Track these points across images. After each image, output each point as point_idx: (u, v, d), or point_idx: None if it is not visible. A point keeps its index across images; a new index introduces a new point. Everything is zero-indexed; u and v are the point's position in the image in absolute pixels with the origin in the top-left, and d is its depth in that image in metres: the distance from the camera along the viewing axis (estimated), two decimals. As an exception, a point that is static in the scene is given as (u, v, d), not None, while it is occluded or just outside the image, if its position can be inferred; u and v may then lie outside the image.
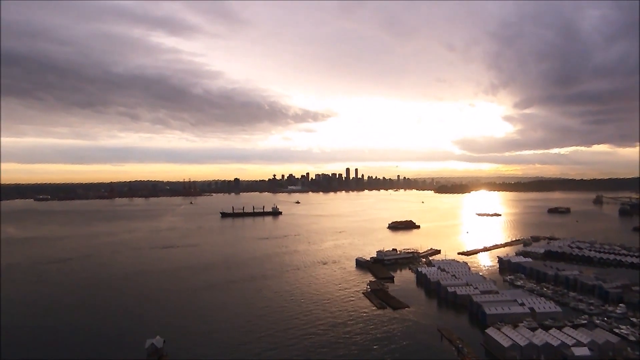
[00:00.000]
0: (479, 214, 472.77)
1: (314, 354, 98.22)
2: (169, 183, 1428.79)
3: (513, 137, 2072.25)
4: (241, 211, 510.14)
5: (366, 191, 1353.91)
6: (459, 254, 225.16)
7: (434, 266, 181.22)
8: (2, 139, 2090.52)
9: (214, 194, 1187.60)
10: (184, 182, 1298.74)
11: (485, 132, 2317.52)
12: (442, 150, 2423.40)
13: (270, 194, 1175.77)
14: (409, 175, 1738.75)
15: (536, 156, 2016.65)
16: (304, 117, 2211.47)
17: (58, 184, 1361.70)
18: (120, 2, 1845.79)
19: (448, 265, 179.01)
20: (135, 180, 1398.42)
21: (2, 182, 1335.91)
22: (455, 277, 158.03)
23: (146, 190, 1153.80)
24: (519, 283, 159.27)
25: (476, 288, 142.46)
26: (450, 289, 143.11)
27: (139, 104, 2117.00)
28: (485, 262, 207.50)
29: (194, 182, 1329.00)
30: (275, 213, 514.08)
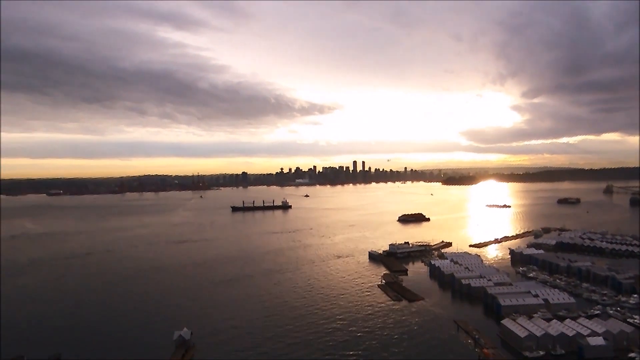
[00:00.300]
0: (488, 206, 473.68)
1: (336, 348, 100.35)
2: (177, 177, 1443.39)
3: (521, 127, 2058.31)
4: (251, 205, 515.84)
5: (373, 184, 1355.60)
6: (470, 246, 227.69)
7: (447, 259, 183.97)
8: (13, 134, 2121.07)
9: (222, 188, 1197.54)
10: (192, 177, 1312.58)
11: (492, 123, 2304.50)
12: (449, 142, 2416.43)
13: (278, 187, 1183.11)
14: (416, 167, 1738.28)
15: (544, 146, 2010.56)
16: (310, 110, 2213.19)
17: (69, 178, 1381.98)
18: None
19: (461, 258, 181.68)
20: (145, 175, 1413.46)
21: (15, 177, 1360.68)
22: (469, 270, 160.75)
23: (155, 184, 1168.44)
24: (531, 275, 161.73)
25: (490, 280, 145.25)
26: (464, 281, 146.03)
27: (145, 99, 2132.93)
28: (497, 254, 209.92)
29: (203, 176, 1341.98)
30: (285, 207, 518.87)
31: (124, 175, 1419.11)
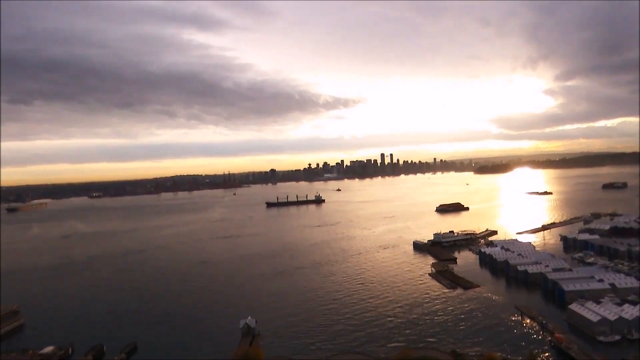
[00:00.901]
0: (528, 193, 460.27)
1: (400, 336, 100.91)
2: (208, 176, 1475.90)
3: (554, 112, 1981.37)
4: (285, 200, 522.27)
5: (402, 176, 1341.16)
6: (517, 233, 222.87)
7: (497, 246, 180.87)
8: (53, 142, 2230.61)
9: (252, 185, 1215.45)
10: (223, 175, 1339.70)
11: (523, 109, 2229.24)
12: (478, 130, 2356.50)
13: (307, 182, 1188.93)
14: (445, 158, 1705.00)
15: (580, 130, 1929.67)
16: (334, 104, 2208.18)
17: (106, 181, 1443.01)
18: (151, 2, 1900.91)
19: (511, 245, 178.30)
20: (177, 175, 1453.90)
21: (57, 182, 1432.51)
22: (522, 256, 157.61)
23: (188, 184, 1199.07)
24: (589, 260, 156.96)
25: (547, 266, 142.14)
26: (520, 268, 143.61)
27: (174, 101, 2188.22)
28: (547, 240, 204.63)
29: (233, 174, 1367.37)
30: (319, 201, 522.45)
31: (158, 176, 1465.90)
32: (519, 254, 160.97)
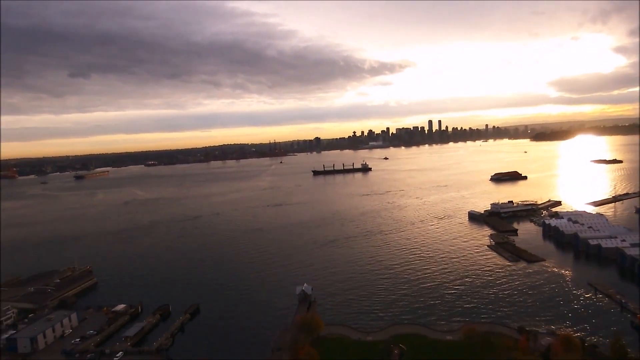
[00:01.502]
0: (593, 161, 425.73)
1: (466, 314, 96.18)
2: (253, 145, 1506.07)
3: (625, 72, 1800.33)
4: (331, 169, 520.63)
5: (451, 143, 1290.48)
6: (587, 204, 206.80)
7: (562, 218, 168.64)
8: (108, 113, 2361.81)
9: (297, 154, 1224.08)
10: (269, 144, 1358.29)
11: (588, 69, 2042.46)
12: (535, 94, 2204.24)
13: (352, 151, 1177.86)
14: (497, 124, 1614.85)
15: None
16: (379, 69, 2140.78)
17: (160, 150, 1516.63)
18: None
19: (580, 217, 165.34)
20: (224, 144, 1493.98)
21: (116, 152, 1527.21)
22: (593, 229, 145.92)
23: (235, 153, 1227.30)
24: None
25: (624, 240, 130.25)
26: (591, 242, 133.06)
27: (219, 71, 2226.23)
28: (620, 213, 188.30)
29: (278, 143, 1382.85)
30: (365, 169, 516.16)
31: (206, 145, 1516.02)
32: (589, 227, 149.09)
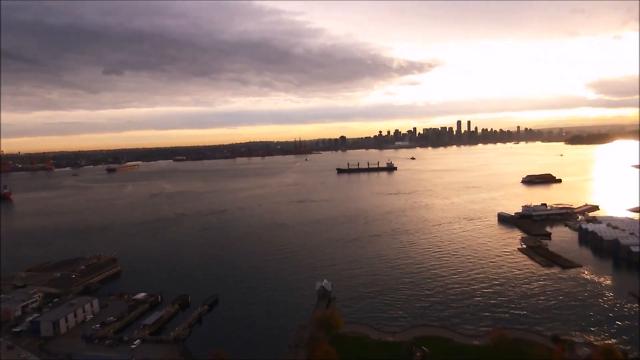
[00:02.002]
0: (635, 166, 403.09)
1: (491, 315, 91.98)
2: (279, 143, 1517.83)
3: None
4: (356, 167, 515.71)
5: (480, 145, 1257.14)
6: (627, 210, 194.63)
7: (601, 223, 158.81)
8: (140, 109, 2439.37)
9: (322, 152, 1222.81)
10: (294, 142, 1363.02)
11: (631, 70, 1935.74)
12: (571, 96, 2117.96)
13: (377, 150, 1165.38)
14: (530, 126, 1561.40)
15: None
16: (408, 69, 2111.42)
17: (188, 146, 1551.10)
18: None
19: (620, 223, 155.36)
20: (250, 142, 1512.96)
21: (146, 147, 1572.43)
22: (636, 236, 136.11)
23: (261, 150, 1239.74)
24: None
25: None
26: (633, 249, 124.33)
27: (246, 69, 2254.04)
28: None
29: (303, 141, 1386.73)
30: (390, 168, 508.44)
31: (233, 142, 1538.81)
32: (632, 233, 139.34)
